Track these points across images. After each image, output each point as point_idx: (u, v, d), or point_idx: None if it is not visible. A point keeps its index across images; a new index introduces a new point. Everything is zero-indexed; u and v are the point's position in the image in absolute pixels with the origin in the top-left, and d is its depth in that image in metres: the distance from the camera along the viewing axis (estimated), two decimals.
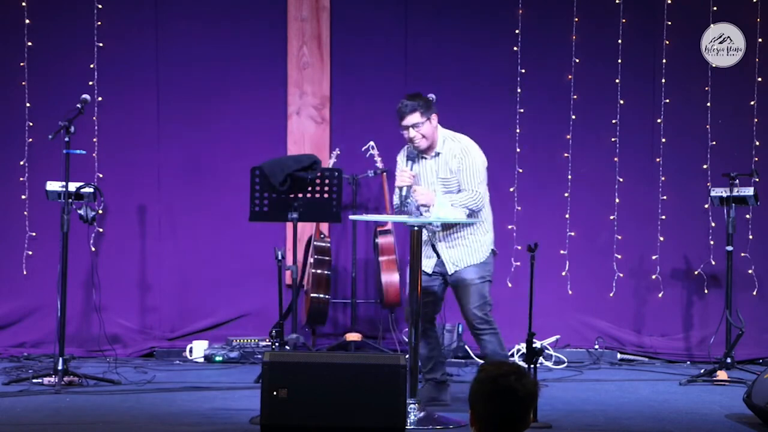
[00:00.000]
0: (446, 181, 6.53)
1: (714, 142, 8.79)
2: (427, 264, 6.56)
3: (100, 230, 8.59)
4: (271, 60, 8.78)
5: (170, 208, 8.76)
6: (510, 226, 8.77)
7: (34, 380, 7.20)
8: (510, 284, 8.73)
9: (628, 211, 8.82)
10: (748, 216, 8.72)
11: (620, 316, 8.85)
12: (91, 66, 8.58)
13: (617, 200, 8.81)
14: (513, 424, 3.20)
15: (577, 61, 8.77)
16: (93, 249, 8.48)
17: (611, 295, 8.80)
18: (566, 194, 8.81)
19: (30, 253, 8.58)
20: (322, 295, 8.26)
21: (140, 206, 8.72)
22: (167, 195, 8.74)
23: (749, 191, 8.05)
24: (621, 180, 8.81)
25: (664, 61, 8.78)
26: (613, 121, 8.81)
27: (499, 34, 8.80)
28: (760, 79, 8.75)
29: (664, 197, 8.81)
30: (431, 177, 6.54)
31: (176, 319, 8.75)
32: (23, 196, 8.58)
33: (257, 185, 7.60)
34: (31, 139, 8.56)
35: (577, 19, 8.77)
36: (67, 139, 7.23)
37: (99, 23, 8.61)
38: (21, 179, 8.57)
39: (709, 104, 8.78)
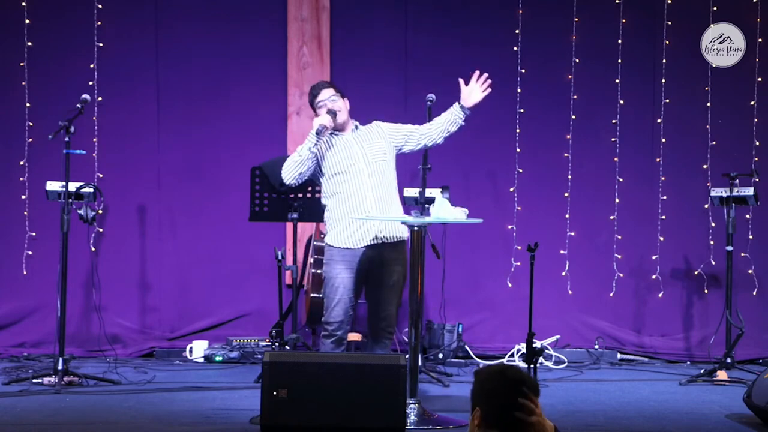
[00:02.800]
0: (374, 145, 6.55)
1: (714, 142, 8.79)
2: (368, 238, 6.49)
3: (100, 230, 8.59)
4: (271, 60, 8.78)
5: (170, 208, 8.76)
6: (510, 226, 8.77)
7: (34, 380, 7.20)
8: (510, 284, 8.74)
9: (628, 211, 8.82)
10: (748, 216, 8.72)
11: (620, 316, 8.86)
12: (91, 66, 8.58)
13: (617, 200, 8.81)
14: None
15: (577, 61, 8.78)
16: (93, 249, 8.49)
17: (611, 295, 8.80)
18: (566, 194, 8.81)
19: (30, 253, 8.58)
20: (322, 295, 8.25)
21: (140, 206, 8.72)
22: (167, 195, 8.74)
23: (749, 191, 8.05)
24: (621, 180, 8.81)
25: (664, 61, 8.79)
26: (613, 121, 8.81)
27: (499, 34, 8.80)
28: (760, 79, 8.76)
29: (664, 197, 8.81)
30: (355, 148, 6.52)
31: (176, 319, 8.75)
32: (23, 196, 8.58)
33: (257, 185, 7.61)
34: (31, 139, 8.56)
35: (577, 19, 8.77)
36: (67, 139, 7.23)
37: (99, 23, 8.61)
38: (21, 179, 8.57)
39: (709, 104, 8.78)
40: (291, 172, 6.47)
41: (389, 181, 6.54)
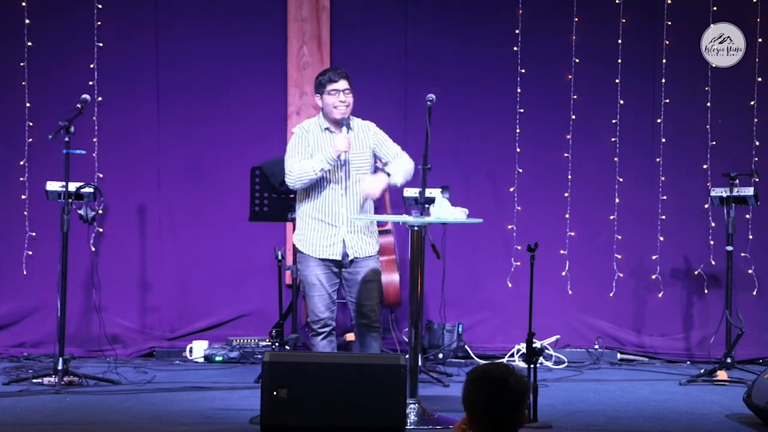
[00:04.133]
0: (359, 156, 6.51)
1: (714, 142, 8.79)
2: (335, 251, 6.49)
3: (100, 230, 8.59)
4: (271, 60, 8.78)
5: (170, 208, 8.76)
6: (510, 226, 8.77)
7: (34, 380, 7.20)
8: (510, 284, 8.74)
9: (628, 211, 8.82)
10: (748, 216, 8.72)
11: (620, 316, 8.86)
12: (91, 66, 8.58)
13: (617, 200, 8.81)
14: (509, 416, 3.27)
15: (577, 61, 8.78)
16: (93, 249, 8.49)
17: (611, 295, 8.80)
18: (566, 194, 8.81)
19: (30, 253, 8.58)
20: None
21: (140, 206, 8.72)
22: (167, 195, 8.74)
23: (749, 191, 8.05)
24: (621, 180, 8.81)
25: (664, 61, 8.79)
26: (613, 121, 8.81)
27: (499, 34, 8.80)
28: (760, 79, 8.76)
29: (664, 197, 8.81)
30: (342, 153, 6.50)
31: (176, 319, 8.75)
32: (23, 196, 8.58)
33: (257, 185, 7.61)
34: (31, 139, 8.56)
35: (577, 19, 8.77)
36: (67, 139, 7.23)
37: (99, 23, 8.61)
38: (21, 179, 8.57)
39: (709, 104, 8.78)
40: (301, 182, 6.45)
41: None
